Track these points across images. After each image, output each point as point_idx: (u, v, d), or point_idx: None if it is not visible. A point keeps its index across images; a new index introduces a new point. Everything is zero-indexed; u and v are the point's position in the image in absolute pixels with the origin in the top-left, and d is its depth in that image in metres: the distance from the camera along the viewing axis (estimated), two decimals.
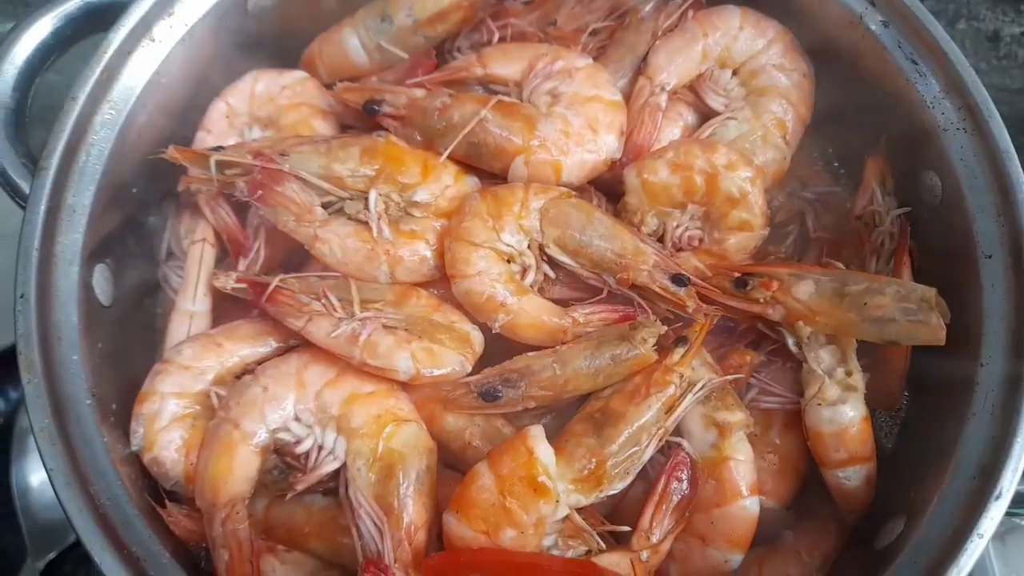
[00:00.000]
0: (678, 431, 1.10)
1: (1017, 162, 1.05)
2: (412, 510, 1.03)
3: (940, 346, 1.03)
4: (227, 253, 1.28)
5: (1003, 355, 1.00)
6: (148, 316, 1.31)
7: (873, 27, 1.18)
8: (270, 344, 1.18)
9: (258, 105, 1.32)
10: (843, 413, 1.05)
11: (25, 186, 1.16)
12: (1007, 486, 0.92)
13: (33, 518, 1.45)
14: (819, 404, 1.06)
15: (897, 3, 1.17)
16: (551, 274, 1.19)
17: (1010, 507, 0.94)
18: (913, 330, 1.03)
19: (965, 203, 1.09)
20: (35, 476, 1.47)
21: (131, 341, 1.23)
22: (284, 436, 1.09)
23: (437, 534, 1.06)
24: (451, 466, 1.14)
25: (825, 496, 1.13)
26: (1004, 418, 0.96)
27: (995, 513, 0.91)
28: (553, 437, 1.06)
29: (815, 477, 1.14)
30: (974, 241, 1.07)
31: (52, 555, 1.43)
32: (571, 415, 1.10)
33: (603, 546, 1.02)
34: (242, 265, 1.25)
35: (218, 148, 1.21)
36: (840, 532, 1.13)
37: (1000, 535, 1.71)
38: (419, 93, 1.22)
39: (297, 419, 1.09)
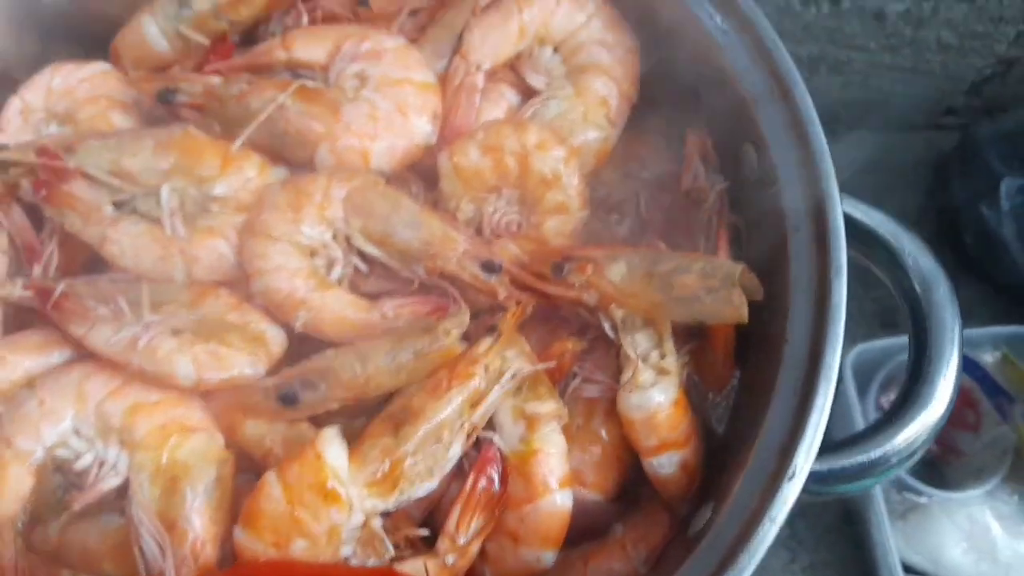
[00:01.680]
0: (492, 426, 1.05)
1: (820, 131, 1.02)
2: (198, 525, 0.96)
3: (746, 324, 1.00)
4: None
5: (806, 331, 0.96)
6: None
7: None
8: (60, 355, 1.09)
9: (55, 100, 1.23)
10: (651, 398, 1.01)
11: None
12: (801, 464, 0.88)
13: None
14: (629, 391, 1.02)
15: None
16: (362, 267, 1.13)
17: (813, 484, 0.91)
18: (716, 308, 0.99)
19: (776, 175, 1.06)
20: None
21: None
22: (63, 452, 1.01)
23: (233, 550, 1.00)
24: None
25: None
26: (804, 395, 0.93)
27: (788, 495, 0.87)
28: None
29: None
30: (784, 215, 1.04)
31: None
32: None
33: (397, 552, 0.97)
34: (37, 272, 1.16)
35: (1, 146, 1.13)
36: (670, 522, 1.09)
37: (902, 514, 1.69)
38: (216, 80, 1.15)
39: (77, 433, 1.02)
